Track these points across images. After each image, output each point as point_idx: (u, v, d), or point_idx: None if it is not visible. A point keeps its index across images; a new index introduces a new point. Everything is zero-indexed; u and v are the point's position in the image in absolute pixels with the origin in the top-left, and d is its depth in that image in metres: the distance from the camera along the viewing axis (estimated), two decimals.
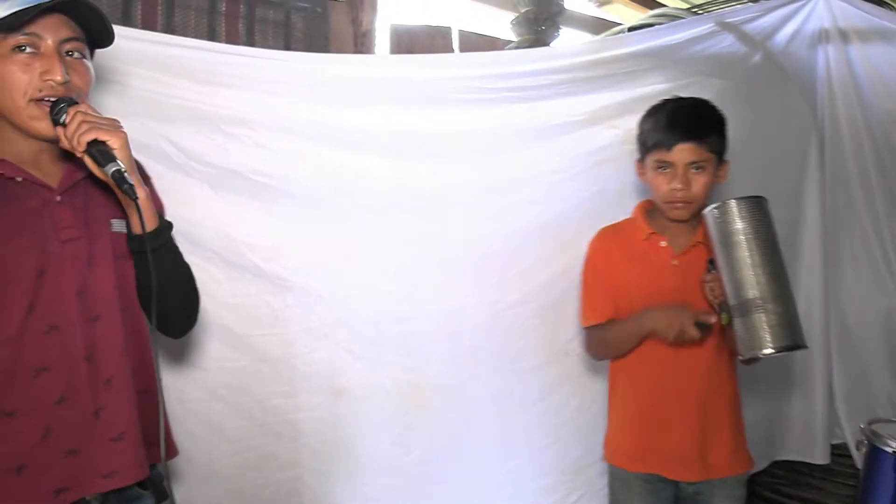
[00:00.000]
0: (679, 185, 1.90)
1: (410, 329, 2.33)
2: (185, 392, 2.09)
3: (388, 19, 3.21)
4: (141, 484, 1.46)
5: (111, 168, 1.29)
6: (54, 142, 1.36)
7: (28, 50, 1.31)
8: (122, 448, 1.41)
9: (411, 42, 3.19)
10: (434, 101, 2.35)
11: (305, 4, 2.95)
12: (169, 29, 2.59)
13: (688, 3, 4.60)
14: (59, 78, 1.31)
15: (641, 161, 2.05)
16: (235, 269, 2.11)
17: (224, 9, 2.75)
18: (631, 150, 2.53)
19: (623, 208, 2.47)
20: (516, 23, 3.61)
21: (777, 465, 3.19)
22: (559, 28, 3.66)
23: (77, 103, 1.32)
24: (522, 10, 3.60)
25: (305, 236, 2.20)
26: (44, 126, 1.33)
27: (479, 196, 2.41)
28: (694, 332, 1.80)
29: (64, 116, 1.30)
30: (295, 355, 2.22)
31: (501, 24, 3.80)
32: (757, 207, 1.74)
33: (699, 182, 1.92)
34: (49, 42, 1.32)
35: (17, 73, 1.31)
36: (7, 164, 1.35)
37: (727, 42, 2.73)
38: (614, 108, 2.53)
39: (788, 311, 1.70)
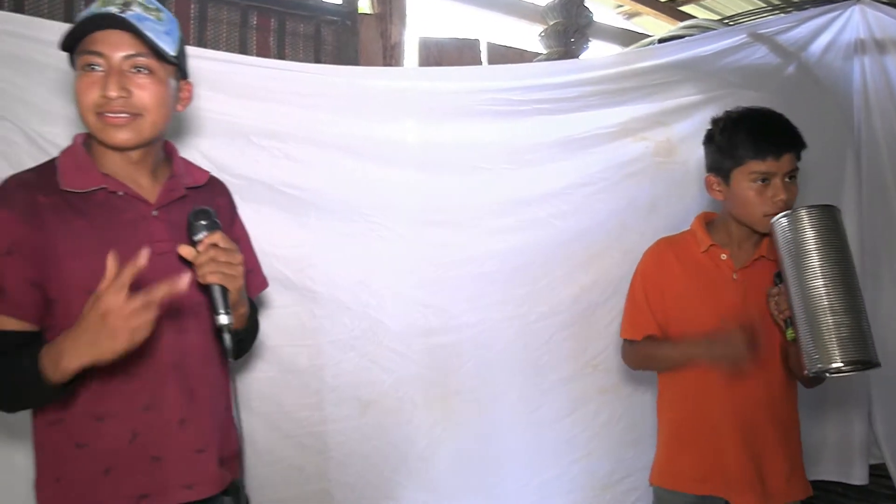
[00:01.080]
0: (783, 196, 1.78)
1: (438, 341, 2.33)
2: None
3: (416, 32, 3.23)
4: (225, 491, 1.51)
5: (219, 319, 1.36)
6: (138, 148, 1.41)
7: (95, 68, 1.36)
8: (205, 460, 1.45)
9: (440, 54, 3.21)
10: (463, 113, 2.35)
11: (335, 18, 2.98)
12: (201, 42, 2.62)
13: (718, 14, 4.57)
14: (111, 94, 1.34)
15: (721, 176, 1.90)
16: None
17: (255, 22, 2.78)
18: (660, 162, 2.51)
19: (653, 221, 2.45)
20: (545, 35, 3.61)
21: (811, 484, 3.11)
22: (588, 40, 3.65)
23: (217, 226, 1.37)
24: (551, 23, 3.60)
25: (334, 248, 2.21)
26: (108, 135, 1.37)
27: (508, 208, 2.40)
28: (749, 357, 1.73)
29: (198, 237, 1.36)
30: (322, 367, 2.22)
31: (530, 36, 3.80)
32: (828, 216, 1.65)
33: (795, 192, 1.83)
34: (112, 59, 1.36)
35: (85, 90, 1.36)
36: (110, 179, 1.41)
37: (760, 53, 2.69)
38: (644, 120, 2.51)
39: (861, 326, 1.60)
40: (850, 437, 3.08)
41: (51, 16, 2.40)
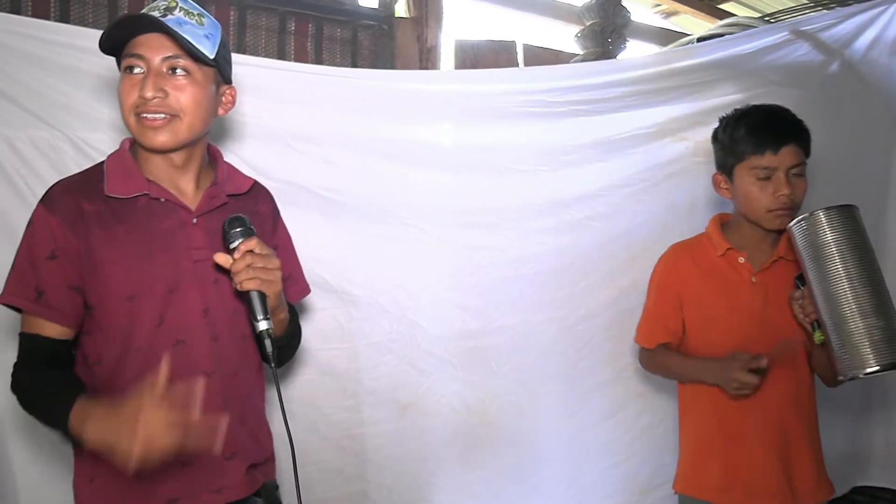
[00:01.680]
0: (787, 191, 1.76)
1: (476, 344, 2.32)
2: None
3: (452, 35, 3.23)
4: (256, 493, 1.53)
5: (259, 325, 1.37)
6: (176, 150, 1.44)
7: (136, 70, 1.39)
8: (234, 466, 1.48)
9: (476, 57, 3.21)
10: (499, 115, 2.34)
11: (372, 22, 2.99)
12: (240, 49, 2.66)
13: (759, 11, 4.49)
14: (147, 94, 1.37)
15: (725, 173, 1.91)
16: None
17: (293, 28, 2.81)
18: (700, 162, 2.48)
19: (693, 222, 2.41)
20: (582, 36, 3.59)
21: (858, 490, 3.04)
22: (626, 40, 3.62)
23: (252, 232, 1.38)
24: (588, 23, 3.58)
25: (372, 251, 2.22)
26: (147, 137, 1.40)
27: (545, 210, 2.38)
28: (753, 381, 1.70)
29: (234, 245, 1.37)
30: (360, 369, 2.23)
31: (566, 37, 3.78)
32: (848, 216, 1.62)
33: (801, 187, 1.81)
34: (152, 61, 1.39)
35: (125, 92, 1.39)
36: (154, 185, 1.44)
37: (802, 51, 2.64)
38: (684, 119, 2.48)
39: (892, 325, 1.56)
40: None
41: (95, 26, 2.44)
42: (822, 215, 1.62)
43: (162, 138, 1.40)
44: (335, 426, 2.21)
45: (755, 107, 1.92)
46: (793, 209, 1.80)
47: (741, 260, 1.89)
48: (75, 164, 1.81)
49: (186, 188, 1.48)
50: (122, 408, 1.24)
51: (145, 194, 1.42)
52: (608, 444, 2.45)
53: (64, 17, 2.42)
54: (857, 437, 2.96)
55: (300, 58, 2.80)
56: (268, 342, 1.37)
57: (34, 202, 1.44)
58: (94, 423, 1.26)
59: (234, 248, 1.36)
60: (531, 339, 2.36)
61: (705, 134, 2.35)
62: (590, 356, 2.42)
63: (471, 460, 2.33)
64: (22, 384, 1.39)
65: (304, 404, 2.17)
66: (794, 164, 1.80)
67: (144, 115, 1.38)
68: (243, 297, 1.39)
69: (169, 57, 1.39)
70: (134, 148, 1.49)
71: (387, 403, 2.26)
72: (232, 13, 2.67)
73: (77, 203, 1.39)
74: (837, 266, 1.59)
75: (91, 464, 1.41)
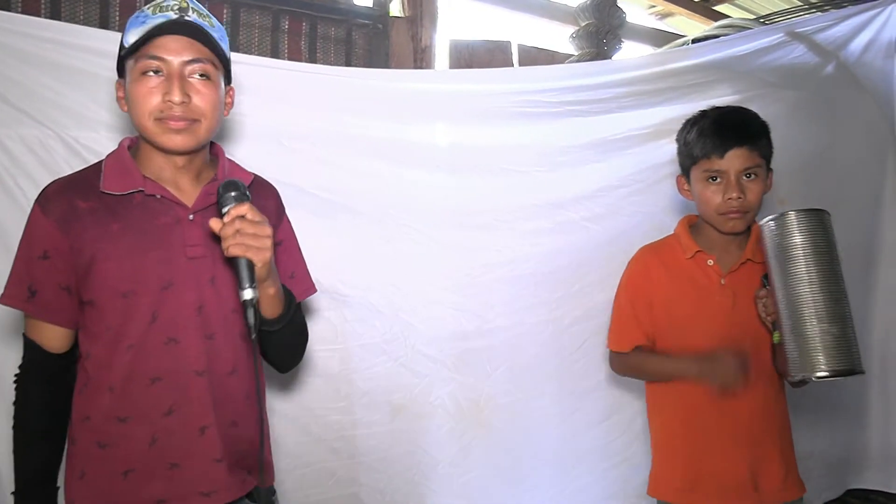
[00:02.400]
0: (735, 194, 1.77)
1: (471, 346, 2.31)
2: None
3: (447, 35, 3.22)
4: (248, 495, 1.51)
5: (243, 294, 1.31)
6: (189, 153, 1.43)
7: (155, 73, 1.37)
8: (223, 469, 1.45)
9: (471, 57, 3.19)
10: (494, 115, 2.33)
11: (366, 21, 2.98)
12: (233, 47, 2.61)
13: (753, 13, 4.50)
14: (175, 98, 1.36)
15: (685, 175, 1.93)
16: None
17: (287, 26, 2.79)
18: None
19: None
20: (577, 36, 3.58)
21: (852, 493, 3.04)
22: (621, 41, 3.61)
23: (247, 198, 1.34)
24: (583, 24, 3.57)
25: (365, 251, 2.20)
26: (166, 139, 1.39)
27: (541, 211, 2.37)
28: (742, 381, 1.70)
29: (226, 209, 1.32)
30: (353, 371, 2.21)
31: (561, 38, 3.77)
32: (817, 220, 1.62)
33: (753, 190, 1.80)
34: (173, 64, 1.37)
35: (144, 95, 1.37)
36: (150, 182, 1.42)
37: (798, 52, 2.64)
38: (680, 121, 2.40)
39: (846, 333, 1.58)
40: (893, 446, 3.00)
41: (86, 23, 2.42)
42: (792, 216, 1.62)
43: (183, 141, 1.39)
44: (328, 428, 2.19)
45: (714, 108, 1.92)
46: (745, 212, 1.81)
47: (710, 262, 1.88)
48: (66, 163, 1.80)
49: (185, 185, 1.47)
50: None
51: (140, 191, 1.41)
52: (603, 446, 2.45)
53: (55, 14, 2.39)
54: (851, 440, 2.97)
55: (294, 56, 2.78)
56: (251, 311, 1.31)
57: (24, 201, 1.44)
58: None
59: (226, 213, 1.32)
60: (526, 341, 2.35)
61: None
62: (585, 358, 2.41)
63: (465, 462, 2.32)
64: (21, 418, 1.45)
65: (297, 406, 2.15)
66: (746, 168, 1.79)
67: (170, 119, 1.37)
68: (231, 264, 1.35)
69: (192, 60, 1.38)
70: (133, 146, 1.48)
71: (380, 405, 2.24)
72: (225, 11, 2.65)
73: (71, 201, 1.39)
74: (800, 268, 1.60)
75: (82, 459, 1.41)
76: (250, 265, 1.32)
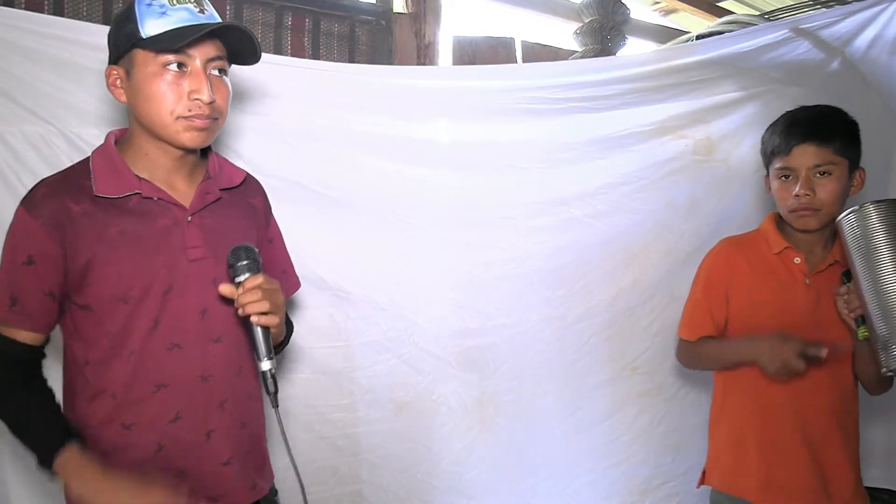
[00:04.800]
0: (802, 191, 1.75)
1: (474, 343, 2.30)
2: None
3: (450, 31, 3.21)
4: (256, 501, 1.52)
5: (262, 365, 1.35)
6: (192, 151, 1.42)
7: (178, 68, 1.34)
8: (231, 472, 1.45)
9: (474, 53, 3.18)
10: (497, 112, 2.32)
11: (370, 17, 2.97)
12: None
13: (758, 10, 4.48)
14: (206, 98, 1.34)
15: (768, 176, 1.91)
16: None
17: (290, 23, 2.78)
18: (700, 160, 2.46)
19: (693, 220, 2.40)
20: (581, 32, 3.57)
21: None
22: (625, 37, 3.59)
23: (257, 266, 1.35)
24: (587, 20, 3.56)
25: (368, 248, 2.20)
26: (188, 137, 1.36)
27: (544, 208, 2.37)
28: (799, 366, 1.66)
29: (240, 279, 1.34)
30: (356, 368, 2.21)
31: (565, 34, 3.76)
32: None
33: (826, 188, 1.76)
34: (197, 61, 1.34)
35: (167, 91, 1.33)
36: (145, 184, 1.39)
37: (803, 49, 2.62)
38: (684, 117, 2.46)
39: None
40: None
41: (89, 18, 2.42)
42: (871, 208, 1.59)
43: (202, 139, 1.38)
44: (331, 425, 2.19)
45: (801, 108, 1.90)
46: (817, 210, 1.77)
47: (797, 260, 1.86)
48: (68, 159, 1.79)
49: (179, 185, 1.44)
50: (122, 483, 1.27)
51: (137, 193, 1.38)
52: (607, 444, 2.44)
53: (58, 11, 2.39)
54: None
55: (297, 53, 2.77)
56: (270, 382, 1.35)
57: None
58: (84, 482, 1.28)
59: (240, 283, 1.34)
60: (529, 338, 2.35)
61: (705, 132, 2.35)
62: (588, 356, 2.40)
63: (468, 460, 2.32)
64: (4, 402, 1.37)
65: (300, 403, 2.15)
66: (815, 165, 1.77)
67: (196, 118, 1.35)
68: (246, 328, 1.38)
69: (215, 58, 1.37)
70: (121, 142, 1.44)
71: (383, 402, 2.24)
72: (228, 8, 2.65)
73: (63, 204, 1.34)
74: (885, 257, 1.56)
75: None
76: (267, 333, 1.35)
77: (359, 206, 2.19)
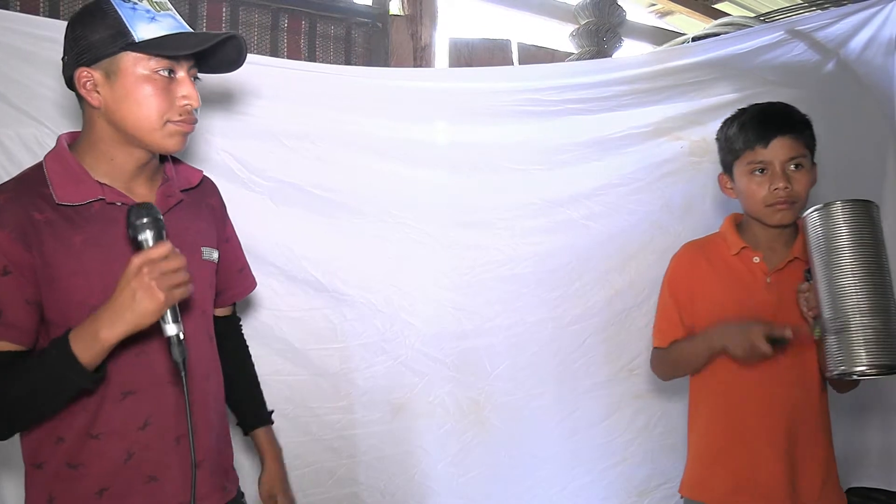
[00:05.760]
0: (781, 184, 1.74)
1: (470, 345, 2.30)
2: None
3: (447, 33, 3.21)
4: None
5: (168, 329, 1.24)
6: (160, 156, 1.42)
7: (168, 74, 1.33)
8: (202, 476, 1.41)
9: (470, 55, 3.18)
10: (494, 113, 2.32)
11: (366, 20, 2.97)
12: None
13: (754, 11, 4.49)
14: (195, 102, 1.35)
15: (727, 173, 1.90)
16: (296, 284, 2.12)
17: (286, 25, 2.78)
18: (696, 161, 2.47)
19: (689, 222, 2.41)
20: (577, 34, 3.57)
21: (852, 491, 3.03)
22: (621, 39, 3.60)
23: (162, 231, 1.25)
24: (583, 22, 3.56)
25: (365, 250, 2.20)
26: (173, 142, 1.37)
27: (540, 210, 2.37)
28: (765, 348, 1.64)
29: (142, 236, 1.23)
30: (353, 370, 2.21)
31: (561, 36, 3.76)
32: (864, 211, 1.57)
33: (800, 181, 1.77)
34: (184, 67, 1.35)
35: (156, 96, 1.32)
36: (107, 189, 1.36)
37: (798, 50, 2.63)
38: (679, 119, 2.47)
39: (889, 329, 1.52)
40: (893, 444, 2.99)
41: None
42: (838, 207, 1.58)
43: (183, 143, 1.39)
44: (327, 427, 2.19)
45: (753, 105, 1.90)
46: (793, 203, 1.77)
47: (756, 260, 1.85)
48: None
49: (139, 189, 1.41)
50: (120, 285, 1.19)
51: (101, 199, 1.35)
52: (604, 445, 2.44)
53: (53, 13, 2.38)
54: (851, 439, 2.95)
55: (293, 55, 2.77)
56: (177, 349, 1.24)
57: None
58: (106, 320, 1.19)
59: (142, 241, 1.22)
60: (526, 340, 2.35)
61: (701, 133, 2.35)
62: (585, 357, 2.40)
63: (465, 462, 2.31)
64: (3, 400, 1.27)
65: (296, 405, 2.15)
66: (791, 157, 1.77)
67: (186, 122, 1.35)
68: None
69: (194, 64, 1.38)
70: (77, 146, 1.40)
71: (380, 404, 2.24)
72: (224, 9, 2.65)
73: (26, 212, 1.29)
74: (843, 260, 1.55)
75: (50, 483, 1.34)
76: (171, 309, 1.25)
77: (355, 207, 2.19)
